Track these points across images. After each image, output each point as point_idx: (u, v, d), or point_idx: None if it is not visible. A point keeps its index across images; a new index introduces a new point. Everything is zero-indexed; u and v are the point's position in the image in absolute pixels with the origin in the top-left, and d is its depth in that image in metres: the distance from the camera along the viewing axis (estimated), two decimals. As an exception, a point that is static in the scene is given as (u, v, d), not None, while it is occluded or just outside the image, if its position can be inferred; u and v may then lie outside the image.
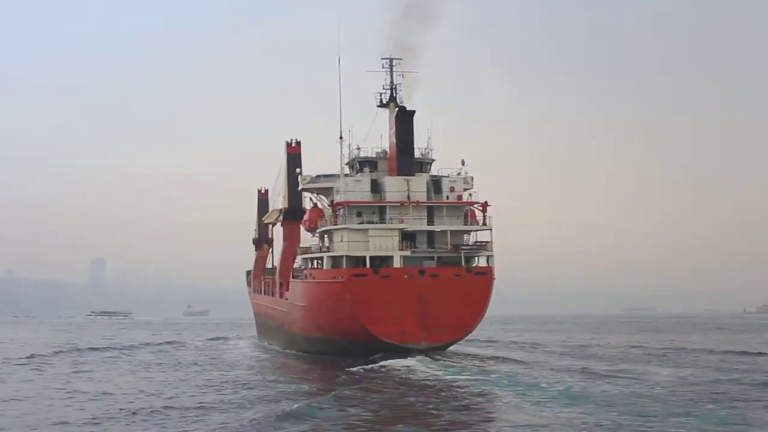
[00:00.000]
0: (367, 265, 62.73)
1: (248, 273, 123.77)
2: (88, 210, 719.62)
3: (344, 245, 64.04)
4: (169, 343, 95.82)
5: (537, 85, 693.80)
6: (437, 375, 47.72)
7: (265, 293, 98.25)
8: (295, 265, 77.93)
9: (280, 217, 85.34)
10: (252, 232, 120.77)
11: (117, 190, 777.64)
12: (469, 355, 64.44)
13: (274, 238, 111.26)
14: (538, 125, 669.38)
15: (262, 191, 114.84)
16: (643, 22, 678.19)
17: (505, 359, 60.94)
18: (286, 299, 78.34)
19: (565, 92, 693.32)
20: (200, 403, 36.27)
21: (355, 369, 52.02)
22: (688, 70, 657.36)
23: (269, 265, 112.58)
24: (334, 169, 75.69)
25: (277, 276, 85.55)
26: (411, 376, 48.04)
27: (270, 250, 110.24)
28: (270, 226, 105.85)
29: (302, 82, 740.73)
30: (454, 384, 42.80)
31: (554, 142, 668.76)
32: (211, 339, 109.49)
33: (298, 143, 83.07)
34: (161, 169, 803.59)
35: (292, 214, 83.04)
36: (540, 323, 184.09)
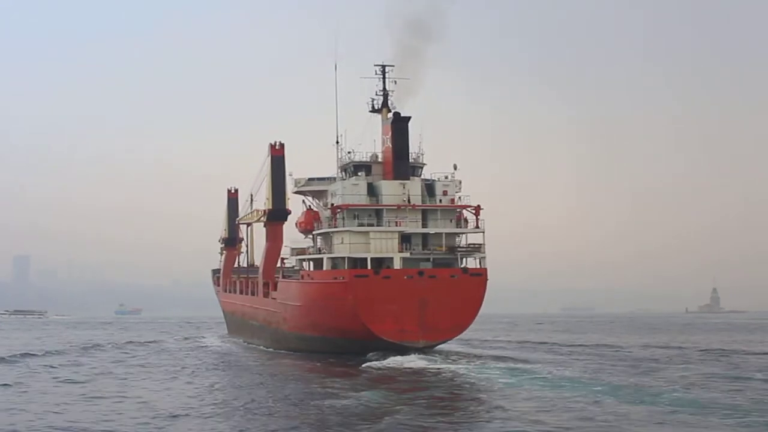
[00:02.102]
0: (368, 267, 64.97)
1: (215, 272, 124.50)
2: (19, 201, 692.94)
3: (345, 247, 66.11)
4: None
5: (513, 83, 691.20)
6: (498, 380, 46.17)
7: (241, 292, 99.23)
8: (286, 266, 79.37)
9: (263, 218, 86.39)
10: (215, 231, 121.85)
11: (56, 179, 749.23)
12: (473, 354, 67.34)
13: (245, 238, 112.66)
14: (508, 125, 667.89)
15: (232, 191, 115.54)
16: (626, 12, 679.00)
17: (533, 361, 60.63)
18: (274, 299, 79.78)
19: (539, 90, 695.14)
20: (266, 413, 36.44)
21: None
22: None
23: (240, 265, 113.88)
24: (319, 172, 78.12)
25: (260, 276, 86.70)
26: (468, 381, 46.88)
27: (241, 249, 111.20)
28: (245, 226, 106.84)
29: (288, 86, 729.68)
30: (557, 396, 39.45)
31: (525, 145, 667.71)
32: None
33: (282, 145, 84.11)
34: (110, 160, 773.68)
35: (276, 215, 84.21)
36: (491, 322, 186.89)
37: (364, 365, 56.25)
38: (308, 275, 71.07)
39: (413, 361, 56.69)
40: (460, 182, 71.77)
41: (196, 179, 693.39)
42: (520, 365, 54.99)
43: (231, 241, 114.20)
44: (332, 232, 68.20)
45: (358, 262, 65.83)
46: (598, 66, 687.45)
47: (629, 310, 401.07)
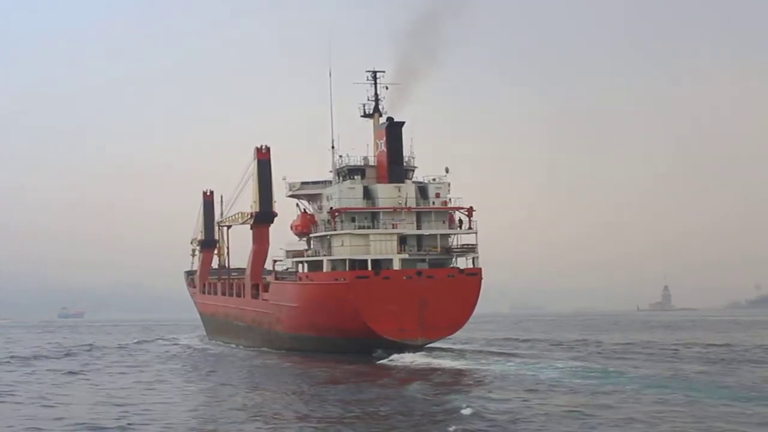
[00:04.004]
0: (369, 268, 67.16)
1: (188, 273, 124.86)
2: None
3: (346, 249, 68.23)
4: None
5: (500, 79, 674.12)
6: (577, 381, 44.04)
7: (223, 294, 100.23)
8: (279, 267, 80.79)
9: (250, 220, 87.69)
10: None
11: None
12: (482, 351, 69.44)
13: (221, 240, 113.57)
14: (497, 123, 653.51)
15: (207, 193, 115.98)
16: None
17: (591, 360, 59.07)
18: (265, 300, 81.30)
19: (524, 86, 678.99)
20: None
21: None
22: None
23: (217, 266, 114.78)
24: (307, 176, 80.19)
25: (247, 277, 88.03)
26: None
27: (222, 252, 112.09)
28: (225, 228, 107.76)
29: (281, 89, 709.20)
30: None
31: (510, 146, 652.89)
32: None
33: (268, 149, 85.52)
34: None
35: (264, 217, 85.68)
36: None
37: (379, 362, 58.88)
38: (306, 277, 72.76)
39: (447, 362, 57.21)
40: (449, 184, 74.33)
41: (162, 177, 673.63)
42: (583, 363, 53.81)
43: (208, 243, 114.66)
44: (331, 234, 70.17)
45: (356, 264, 68.00)
46: (592, 60, 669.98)
47: (573, 309, 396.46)
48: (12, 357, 74.43)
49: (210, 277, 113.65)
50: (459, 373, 51.51)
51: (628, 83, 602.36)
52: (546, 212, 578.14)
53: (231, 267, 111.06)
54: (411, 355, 61.20)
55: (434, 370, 53.05)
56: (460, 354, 64.14)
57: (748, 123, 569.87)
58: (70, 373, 58.30)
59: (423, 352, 63.12)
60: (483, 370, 51.68)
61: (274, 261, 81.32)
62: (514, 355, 64.81)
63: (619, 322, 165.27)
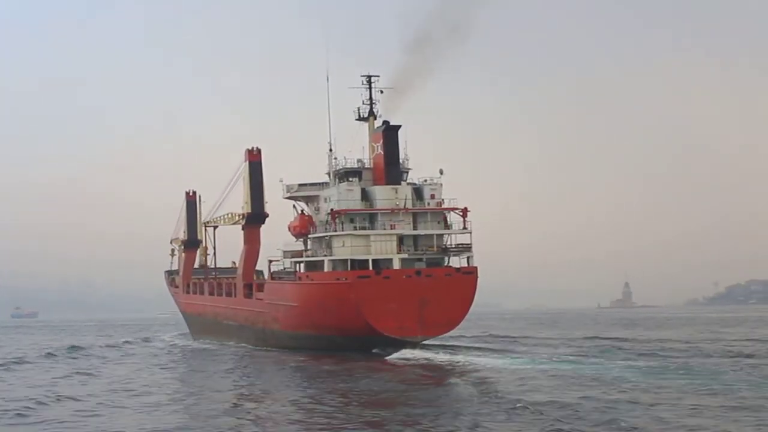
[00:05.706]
0: (369, 268, 69.14)
1: (169, 273, 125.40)
2: None
3: (347, 250, 70.11)
4: None
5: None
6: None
7: (211, 293, 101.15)
8: (275, 267, 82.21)
9: (241, 221, 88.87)
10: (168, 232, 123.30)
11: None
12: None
13: (204, 240, 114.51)
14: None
15: (190, 193, 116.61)
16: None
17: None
18: (260, 299, 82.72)
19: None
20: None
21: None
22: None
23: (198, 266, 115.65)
24: (300, 177, 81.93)
25: (239, 277, 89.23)
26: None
27: (208, 252, 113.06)
28: (211, 228, 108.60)
29: (274, 92, 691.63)
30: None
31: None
32: None
33: (259, 151, 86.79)
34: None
35: (255, 218, 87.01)
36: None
37: (388, 358, 61.15)
38: (306, 276, 74.39)
39: (491, 360, 57.53)
40: (441, 185, 76.49)
41: (142, 177, 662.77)
42: (649, 363, 52.89)
43: (191, 243, 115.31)
44: (332, 235, 71.92)
45: (356, 264, 69.91)
46: (591, 59, 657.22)
47: (525, 307, 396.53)
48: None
49: (193, 277, 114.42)
50: (519, 372, 50.15)
51: (627, 83, 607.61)
52: (519, 215, 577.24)
53: (208, 267, 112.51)
54: (446, 353, 62.57)
55: (482, 369, 53.02)
56: (497, 352, 64.62)
57: (746, 122, 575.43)
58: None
59: (465, 350, 64.97)
60: (544, 370, 50.85)
61: (270, 261, 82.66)
62: (548, 353, 63.61)
63: (596, 318, 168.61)
